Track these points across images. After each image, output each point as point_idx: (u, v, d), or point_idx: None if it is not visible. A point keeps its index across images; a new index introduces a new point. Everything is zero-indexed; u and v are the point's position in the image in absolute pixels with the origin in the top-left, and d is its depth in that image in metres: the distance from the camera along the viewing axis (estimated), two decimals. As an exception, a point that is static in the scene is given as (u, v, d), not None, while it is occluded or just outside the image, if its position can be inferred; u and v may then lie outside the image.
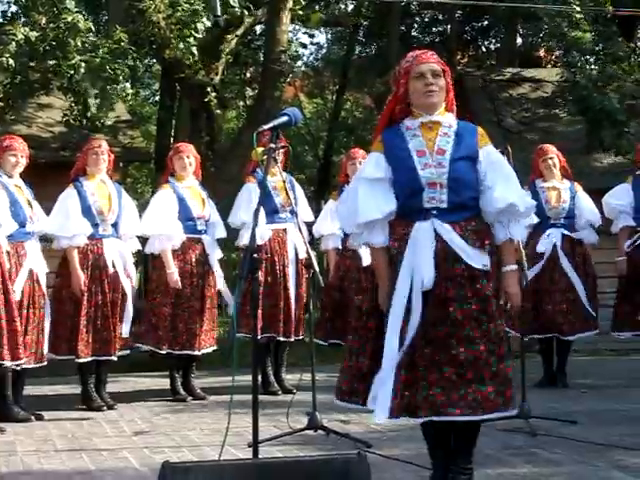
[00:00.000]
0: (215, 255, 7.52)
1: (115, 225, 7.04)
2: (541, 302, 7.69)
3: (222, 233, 7.65)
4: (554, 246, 7.73)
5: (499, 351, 3.93)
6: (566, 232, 7.76)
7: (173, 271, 7.24)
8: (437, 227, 3.95)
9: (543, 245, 7.73)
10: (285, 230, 7.62)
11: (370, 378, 4.03)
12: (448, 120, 4.12)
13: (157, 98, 20.28)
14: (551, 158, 7.83)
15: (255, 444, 3.72)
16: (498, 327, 3.95)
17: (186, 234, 7.36)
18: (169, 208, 7.30)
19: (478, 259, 3.95)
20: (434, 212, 3.97)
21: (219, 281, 7.50)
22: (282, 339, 7.58)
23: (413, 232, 3.97)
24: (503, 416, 4.06)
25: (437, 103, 4.08)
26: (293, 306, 7.57)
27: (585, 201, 7.84)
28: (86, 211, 6.90)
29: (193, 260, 7.37)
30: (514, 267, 4.07)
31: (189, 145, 7.74)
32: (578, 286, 7.69)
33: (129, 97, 10.91)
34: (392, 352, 3.92)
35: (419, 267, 3.93)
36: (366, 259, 7.44)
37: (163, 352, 7.33)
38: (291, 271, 7.59)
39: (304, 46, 21.24)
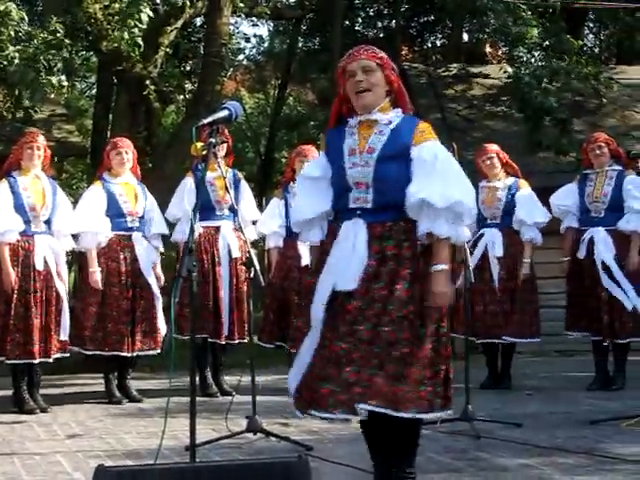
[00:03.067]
0: (149, 253, 7.31)
1: (48, 222, 6.86)
2: (475, 304, 7.62)
3: (161, 228, 7.46)
4: (486, 247, 7.69)
5: (421, 353, 3.80)
6: (500, 232, 7.70)
7: (94, 270, 7.08)
8: (358, 227, 3.90)
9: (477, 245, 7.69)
10: (218, 228, 7.47)
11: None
12: (388, 117, 4.00)
13: (94, 91, 19.92)
14: (490, 158, 7.80)
15: (192, 448, 3.67)
16: (420, 329, 3.82)
17: (116, 231, 7.20)
18: (96, 205, 7.15)
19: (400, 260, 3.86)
20: (358, 212, 3.92)
21: (151, 280, 7.27)
22: (211, 340, 7.42)
23: (339, 232, 3.95)
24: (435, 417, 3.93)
25: (370, 103, 3.99)
26: (226, 307, 7.40)
27: (525, 200, 7.71)
28: (18, 207, 6.73)
29: (121, 258, 7.18)
30: (440, 267, 3.88)
31: (127, 140, 7.57)
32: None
33: (64, 89, 10.64)
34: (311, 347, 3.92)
35: (338, 268, 3.89)
36: (305, 258, 7.37)
37: (89, 353, 7.19)
38: (223, 271, 7.43)
39: (247, 40, 21.11)
